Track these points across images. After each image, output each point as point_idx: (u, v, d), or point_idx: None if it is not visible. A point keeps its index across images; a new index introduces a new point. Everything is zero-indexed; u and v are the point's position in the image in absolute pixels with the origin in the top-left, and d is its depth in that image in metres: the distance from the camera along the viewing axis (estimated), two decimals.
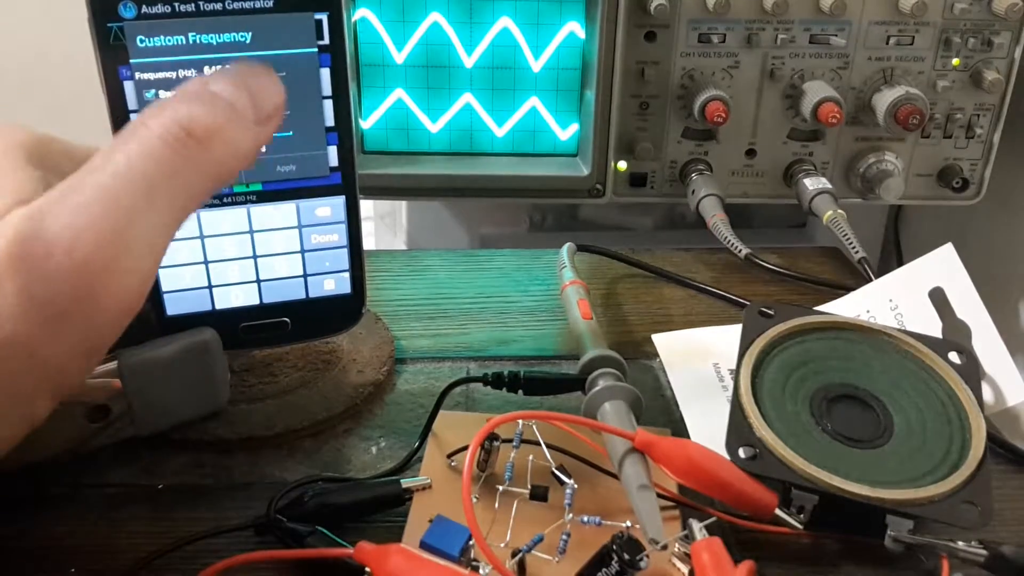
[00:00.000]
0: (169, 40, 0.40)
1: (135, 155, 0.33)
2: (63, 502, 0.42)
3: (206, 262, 0.44)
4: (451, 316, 0.57)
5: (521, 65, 0.63)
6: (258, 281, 0.45)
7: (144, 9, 0.39)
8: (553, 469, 0.42)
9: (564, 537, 0.39)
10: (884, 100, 0.61)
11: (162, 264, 0.42)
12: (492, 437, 0.41)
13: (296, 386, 0.49)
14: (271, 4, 0.40)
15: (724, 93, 0.61)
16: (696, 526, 0.37)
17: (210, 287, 0.44)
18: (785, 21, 0.61)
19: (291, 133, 0.42)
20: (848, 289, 0.56)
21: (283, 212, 0.44)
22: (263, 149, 0.37)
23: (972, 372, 0.45)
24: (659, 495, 0.39)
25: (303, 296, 0.46)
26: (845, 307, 0.54)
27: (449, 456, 0.44)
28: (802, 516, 0.40)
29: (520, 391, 0.45)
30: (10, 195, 0.34)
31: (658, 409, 0.49)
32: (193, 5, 0.39)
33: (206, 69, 0.40)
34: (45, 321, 0.32)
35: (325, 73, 0.42)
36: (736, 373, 0.44)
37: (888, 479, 0.40)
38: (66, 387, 0.34)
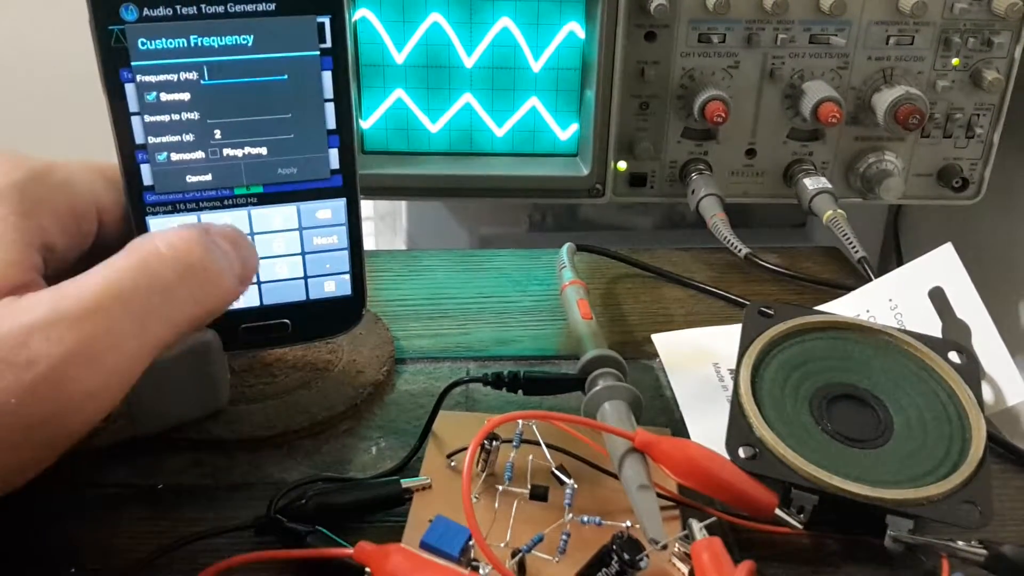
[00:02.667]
0: (171, 43, 0.40)
1: (143, 272, 0.35)
2: (63, 502, 0.42)
3: None
4: (451, 316, 0.57)
5: (521, 65, 0.63)
6: (259, 283, 0.45)
7: (146, 12, 0.39)
8: (553, 469, 0.42)
9: (564, 537, 0.39)
10: (884, 100, 0.62)
11: None
12: (492, 437, 0.41)
13: (296, 386, 0.49)
14: (273, 7, 0.40)
15: (724, 93, 0.61)
16: (696, 526, 0.37)
17: None
18: (785, 21, 0.61)
19: (292, 136, 0.42)
20: (848, 289, 0.56)
21: (284, 214, 0.44)
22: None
23: (972, 372, 0.45)
24: (659, 495, 0.39)
25: (304, 298, 0.46)
26: (845, 307, 0.54)
27: (449, 456, 0.44)
28: (802, 516, 0.40)
29: (520, 391, 0.45)
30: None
31: (658, 409, 0.50)
32: (195, 8, 0.39)
33: (208, 71, 0.40)
34: (8, 423, 0.32)
35: (327, 76, 0.42)
36: (736, 373, 0.44)
37: (888, 479, 0.40)
38: (20, 480, 0.34)
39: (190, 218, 0.42)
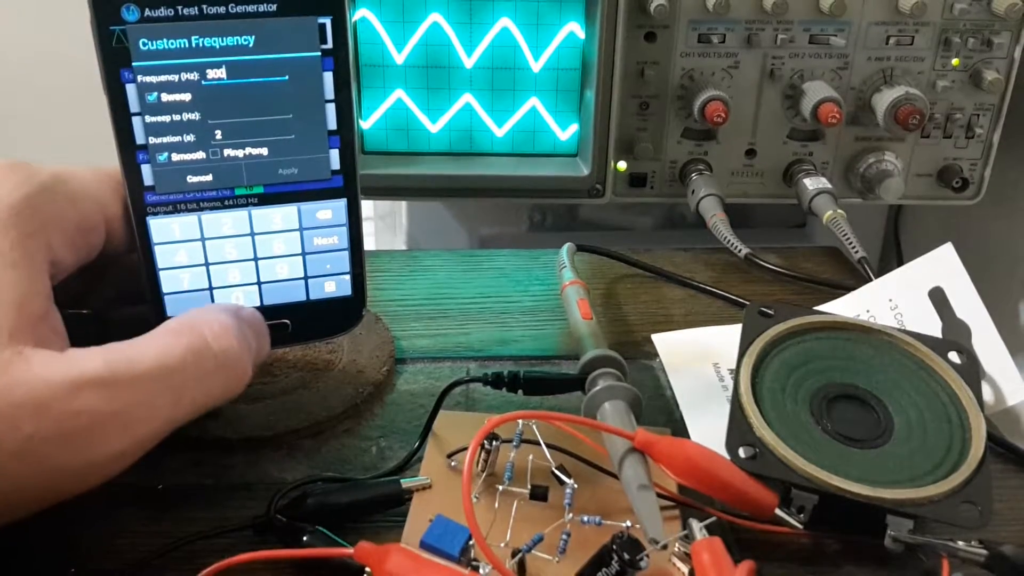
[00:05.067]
0: (172, 43, 0.40)
1: (191, 356, 0.37)
2: (63, 502, 0.42)
3: (207, 264, 0.44)
4: (451, 316, 0.57)
5: (521, 65, 0.63)
6: (259, 283, 0.45)
7: (147, 12, 0.39)
8: (553, 469, 0.42)
9: (564, 537, 0.39)
10: (884, 100, 0.62)
11: (162, 266, 0.43)
12: (492, 437, 0.41)
13: (296, 386, 0.49)
14: (274, 8, 0.40)
15: (724, 93, 0.61)
16: (696, 526, 0.37)
17: (211, 289, 0.44)
18: (785, 21, 0.61)
19: (293, 136, 0.42)
20: (848, 289, 0.56)
21: (284, 215, 0.44)
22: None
23: (972, 372, 0.45)
24: (659, 495, 0.39)
25: (304, 298, 0.46)
26: (845, 307, 0.54)
27: (449, 456, 0.44)
28: (802, 516, 0.40)
29: (520, 391, 0.45)
30: (12, 312, 0.34)
31: (658, 409, 0.50)
32: (196, 8, 0.39)
33: (209, 72, 0.40)
34: (38, 463, 0.33)
35: (328, 77, 0.42)
36: (736, 373, 0.44)
37: (888, 479, 0.40)
38: (24, 514, 0.35)
39: (190, 218, 0.42)
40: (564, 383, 0.46)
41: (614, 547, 0.35)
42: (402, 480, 0.41)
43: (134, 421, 0.35)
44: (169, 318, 0.44)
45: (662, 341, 0.54)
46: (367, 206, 0.89)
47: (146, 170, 0.41)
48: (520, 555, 0.38)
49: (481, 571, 0.37)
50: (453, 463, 0.44)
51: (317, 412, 0.47)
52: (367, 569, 0.36)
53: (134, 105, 0.40)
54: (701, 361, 0.52)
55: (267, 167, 0.43)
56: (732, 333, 0.48)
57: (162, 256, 0.43)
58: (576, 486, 0.41)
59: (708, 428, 0.46)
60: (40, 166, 0.38)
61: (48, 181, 0.38)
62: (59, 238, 0.38)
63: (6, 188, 0.36)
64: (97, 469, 0.35)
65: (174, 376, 0.36)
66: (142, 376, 0.35)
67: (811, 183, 0.63)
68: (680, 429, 0.47)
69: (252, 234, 0.44)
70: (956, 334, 0.49)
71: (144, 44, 0.39)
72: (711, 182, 0.64)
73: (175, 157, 0.41)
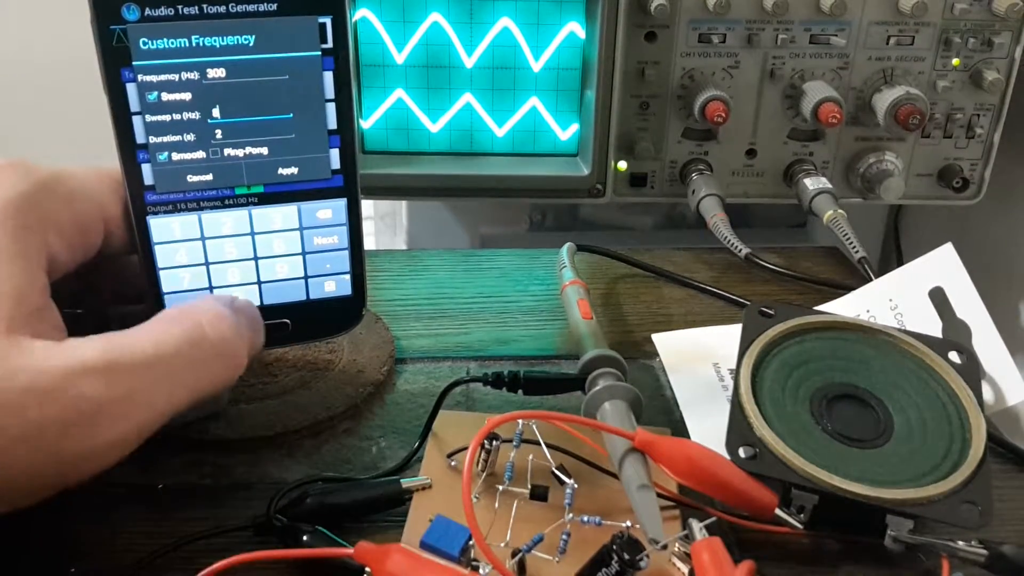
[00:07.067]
0: (172, 43, 0.40)
1: (186, 344, 0.37)
2: (63, 502, 0.42)
3: (207, 263, 0.44)
4: (451, 316, 0.57)
5: (521, 65, 0.63)
6: (259, 283, 0.45)
7: (147, 12, 0.39)
8: (553, 469, 0.42)
9: (564, 537, 0.39)
10: (884, 100, 0.62)
11: (163, 265, 0.43)
12: (492, 437, 0.41)
13: (296, 386, 0.49)
14: (275, 7, 0.40)
15: (724, 93, 0.61)
16: (696, 526, 0.37)
17: (211, 288, 0.44)
18: (785, 21, 0.61)
19: (293, 135, 0.42)
20: (848, 289, 0.56)
21: (284, 214, 0.44)
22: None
23: (972, 372, 0.45)
24: (659, 495, 0.39)
25: (304, 298, 0.46)
26: (845, 307, 0.54)
27: (449, 456, 0.44)
28: (802, 516, 0.40)
29: (520, 391, 0.45)
30: (8, 303, 0.35)
31: (658, 409, 0.50)
32: (196, 8, 0.39)
33: (209, 71, 0.40)
34: (39, 449, 0.33)
35: (328, 76, 0.42)
36: (736, 373, 0.44)
37: (888, 479, 0.40)
38: (26, 503, 0.35)
39: (191, 217, 0.42)
40: (564, 383, 0.46)
41: (614, 547, 0.35)
42: (402, 480, 0.41)
43: (133, 407, 0.35)
44: None
45: (662, 341, 0.54)
46: (367, 206, 0.89)
47: (146, 169, 0.41)
48: (520, 555, 0.38)
49: (481, 571, 0.36)
50: (453, 463, 0.44)
51: (317, 412, 0.47)
52: (367, 569, 0.36)
53: (134, 104, 0.40)
54: (701, 361, 0.52)
55: (267, 166, 0.43)
56: (732, 333, 0.48)
57: (162, 255, 0.43)
58: (576, 486, 0.41)
59: (708, 428, 0.46)
60: (39, 165, 0.38)
61: (47, 180, 0.38)
62: (56, 236, 0.38)
63: (5, 186, 0.36)
64: (97, 456, 0.35)
65: (171, 363, 0.37)
66: (140, 363, 0.35)
67: (811, 183, 0.63)
68: (680, 429, 0.47)
69: (252, 233, 0.44)
70: (956, 334, 0.49)
71: (144, 43, 0.39)
72: (711, 182, 0.64)
73: (175, 156, 0.41)
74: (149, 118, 0.40)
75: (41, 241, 0.37)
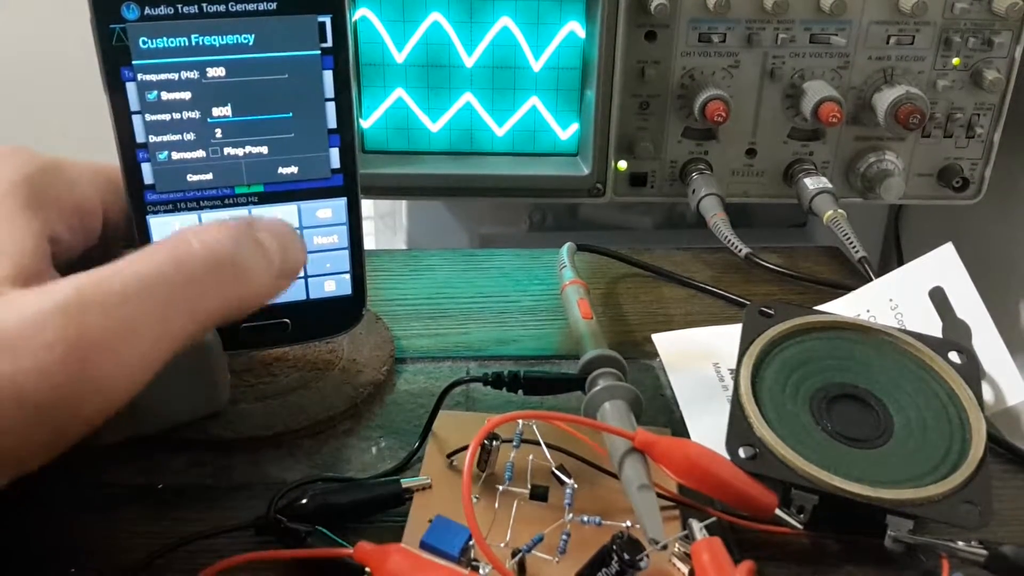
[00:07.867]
0: (172, 42, 0.40)
1: (170, 262, 0.34)
2: (63, 502, 0.42)
3: None
4: (451, 316, 0.57)
5: (521, 65, 0.63)
6: None
7: (147, 11, 0.39)
8: (553, 469, 0.42)
9: (564, 537, 0.39)
10: (884, 100, 0.62)
11: None
12: (492, 437, 0.42)
13: (296, 386, 0.49)
14: (274, 6, 0.40)
15: (724, 93, 0.61)
16: (696, 526, 0.37)
17: None
18: (785, 21, 0.61)
19: (293, 135, 0.42)
20: (848, 289, 0.56)
21: (284, 214, 0.44)
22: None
23: (972, 372, 0.45)
24: (659, 495, 0.39)
25: (304, 297, 0.46)
26: (845, 307, 0.54)
27: (449, 456, 0.44)
28: (802, 516, 0.40)
29: (520, 391, 0.45)
30: (8, 261, 0.34)
31: (658, 409, 0.50)
32: (196, 7, 0.39)
33: (209, 71, 0.40)
34: (23, 404, 0.31)
35: (328, 75, 0.42)
36: (736, 373, 0.44)
37: (888, 479, 0.40)
38: (16, 472, 0.33)
39: (191, 217, 0.42)
40: (564, 383, 0.46)
41: (614, 547, 0.35)
42: (402, 480, 0.41)
43: (115, 342, 0.32)
44: None
45: (662, 341, 0.54)
46: (367, 205, 0.89)
47: (146, 168, 0.41)
48: (520, 555, 0.38)
49: (481, 571, 0.36)
50: (453, 463, 0.44)
51: (317, 412, 0.47)
52: (367, 569, 0.36)
53: (134, 103, 0.40)
54: (701, 361, 0.52)
55: (267, 166, 0.43)
56: (732, 333, 0.48)
57: None
58: (576, 486, 0.41)
59: (708, 428, 0.46)
60: (40, 152, 0.39)
61: (49, 164, 0.39)
62: (58, 215, 0.38)
63: (9, 168, 0.37)
64: (91, 399, 0.33)
65: (152, 289, 0.34)
66: (114, 295, 0.33)
67: (811, 183, 0.63)
68: (680, 429, 0.47)
69: None
70: (956, 334, 0.49)
71: (144, 42, 0.39)
72: (711, 182, 0.64)
73: (175, 156, 0.41)
74: (149, 117, 0.40)
75: (43, 217, 0.37)
